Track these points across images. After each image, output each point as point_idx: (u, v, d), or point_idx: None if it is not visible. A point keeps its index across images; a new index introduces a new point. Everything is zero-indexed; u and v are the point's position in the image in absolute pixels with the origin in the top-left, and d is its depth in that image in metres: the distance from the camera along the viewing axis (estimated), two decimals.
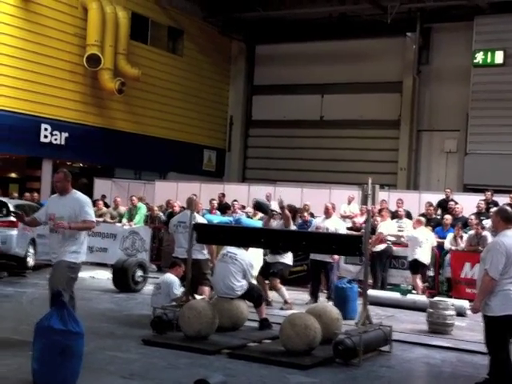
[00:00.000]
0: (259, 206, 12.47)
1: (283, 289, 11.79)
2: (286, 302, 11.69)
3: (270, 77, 28.15)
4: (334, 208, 13.29)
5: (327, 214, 12.79)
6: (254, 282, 10.39)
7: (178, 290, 9.80)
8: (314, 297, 12.39)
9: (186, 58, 26.75)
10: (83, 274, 14.19)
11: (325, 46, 26.73)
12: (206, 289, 10.36)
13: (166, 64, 25.62)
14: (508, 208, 7.45)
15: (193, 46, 27.08)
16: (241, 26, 28.01)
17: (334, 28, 25.96)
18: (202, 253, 10.29)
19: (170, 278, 9.99)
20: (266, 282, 11.73)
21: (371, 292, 11.84)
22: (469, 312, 11.63)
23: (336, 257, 12.48)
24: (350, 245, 8.97)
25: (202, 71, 27.28)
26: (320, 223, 12.77)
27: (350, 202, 17.54)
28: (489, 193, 16.49)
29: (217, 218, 15.73)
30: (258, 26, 27.78)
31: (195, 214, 9.92)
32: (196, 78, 26.85)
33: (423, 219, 14.12)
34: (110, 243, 16.65)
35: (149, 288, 12.16)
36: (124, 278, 12.66)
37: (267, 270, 11.65)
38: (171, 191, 20.64)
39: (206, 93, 27.43)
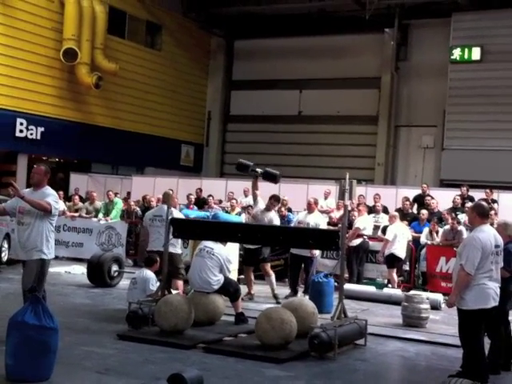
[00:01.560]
0: (241, 167, 12.03)
1: (273, 275, 12.10)
2: (275, 295, 11.86)
3: (249, 72, 28.14)
4: (316, 203, 13.34)
5: (310, 209, 12.77)
6: (232, 276, 10.39)
7: (155, 285, 9.76)
8: (294, 290, 12.41)
9: (164, 52, 26.63)
10: (58, 269, 14.16)
11: (303, 41, 26.74)
12: (180, 283, 10.38)
13: (143, 59, 25.48)
14: (484, 203, 7.53)
15: (171, 40, 26.96)
16: (220, 20, 27.93)
17: (313, 24, 25.96)
18: (176, 247, 10.28)
19: (147, 273, 9.96)
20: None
21: (347, 286, 11.88)
22: (443, 305, 11.76)
23: (315, 252, 12.49)
24: (326, 239, 9.00)
25: (181, 66, 27.18)
26: (302, 218, 12.75)
27: (326, 197, 17.59)
28: (464, 188, 16.62)
29: (194, 213, 15.68)
30: (237, 21, 27.72)
31: (172, 208, 9.90)
32: (174, 73, 26.74)
33: (397, 214, 14.20)
34: (86, 238, 16.56)
35: (124, 283, 12.10)
36: (100, 273, 12.60)
37: (253, 258, 11.81)
38: (148, 186, 20.56)
39: (184, 88, 27.34)
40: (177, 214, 10.34)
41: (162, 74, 26.11)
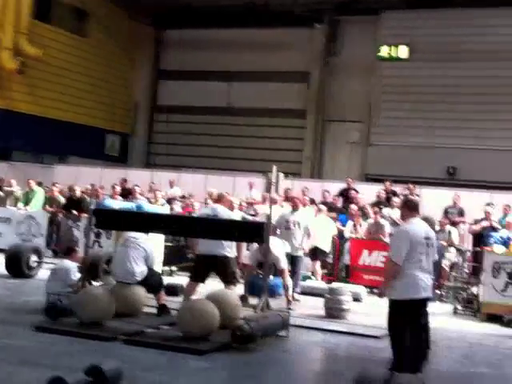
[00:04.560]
0: None
1: None
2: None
3: (178, 62, 27.89)
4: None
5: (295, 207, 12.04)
6: (157, 269, 10.26)
7: (76, 276, 9.55)
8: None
9: (91, 39, 26.10)
10: None
11: (234, 33, 26.67)
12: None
13: (69, 45, 24.92)
14: (413, 198, 7.86)
15: (99, 28, 26.43)
16: (149, 9, 27.56)
17: (243, 16, 25.93)
18: (228, 250, 9.70)
19: (68, 263, 9.76)
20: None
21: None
22: (364, 297, 11.98)
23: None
24: (251, 232, 8.99)
25: (108, 54, 26.69)
26: (289, 216, 11.96)
27: (251, 188, 17.55)
28: (388, 183, 16.93)
29: (118, 204, 15.39)
30: (166, 11, 27.42)
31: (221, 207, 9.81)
32: (101, 61, 26.25)
33: (323, 207, 14.34)
34: (5, 228, 16.03)
35: (44, 274, 11.77)
36: (17, 264, 12.25)
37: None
38: (71, 176, 20.05)
39: (111, 76, 26.88)
40: (228, 213, 9.95)
41: (88, 62, 25.58)
